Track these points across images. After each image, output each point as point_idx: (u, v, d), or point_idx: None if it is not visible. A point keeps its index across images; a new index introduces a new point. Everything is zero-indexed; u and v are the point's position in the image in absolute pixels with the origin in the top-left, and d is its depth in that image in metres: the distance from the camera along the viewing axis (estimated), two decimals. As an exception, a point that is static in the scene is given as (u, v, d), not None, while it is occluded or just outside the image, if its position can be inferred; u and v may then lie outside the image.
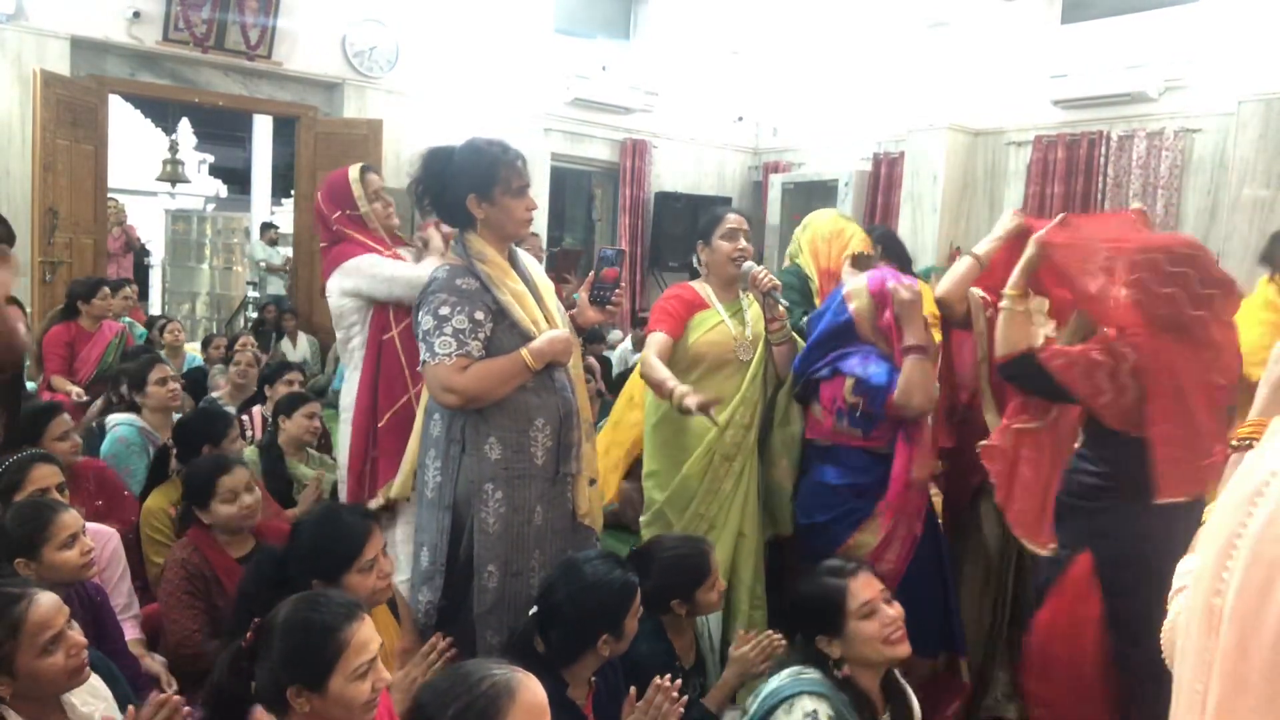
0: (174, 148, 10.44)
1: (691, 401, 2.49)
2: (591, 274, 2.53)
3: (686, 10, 8.84)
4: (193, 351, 6.71)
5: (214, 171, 13.85)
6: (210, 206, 13.56)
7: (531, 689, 1.48)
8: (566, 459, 2.41)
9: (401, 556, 2.67)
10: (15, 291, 5.97)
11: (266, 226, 10.68)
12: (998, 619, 2.92)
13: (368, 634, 1.64)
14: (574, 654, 2.07)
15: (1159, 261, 2.16)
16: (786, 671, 2.05)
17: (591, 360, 5.82)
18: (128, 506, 3.18)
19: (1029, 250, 2.47)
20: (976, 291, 2.73)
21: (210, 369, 5.90)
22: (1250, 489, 0.56)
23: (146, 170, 11.19)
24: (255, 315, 9.46)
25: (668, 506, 2.82)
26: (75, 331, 5.04)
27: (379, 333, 2.92)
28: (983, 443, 2.58)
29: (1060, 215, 2.50)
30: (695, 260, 2.98)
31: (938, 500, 2.98)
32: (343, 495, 3.02)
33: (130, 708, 1.73)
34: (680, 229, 8.44)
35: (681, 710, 2.03)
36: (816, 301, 3.06)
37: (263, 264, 10.04)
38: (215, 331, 8.36)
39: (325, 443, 4.18)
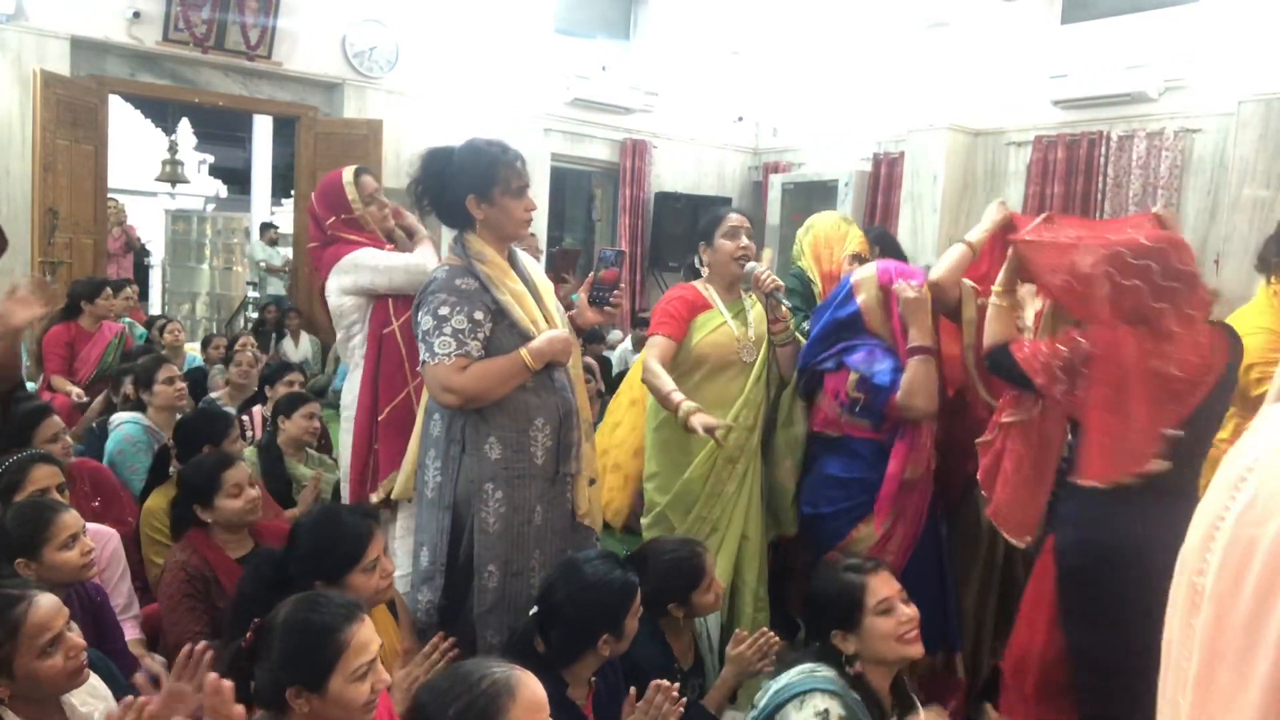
0: (173, 148, 10.44)
1: (698, 423, 2.48)
2: (591, 274, 2.53)
3: (686, 10, 8.84)
4: (193, 352, 6.71)
5: (214, 171, 13.86)
6: (210, 206, 13.57)
7: (531, 686, 1.48)
8: (566, 459, 2.41)
9: (400, 556, 2.67)
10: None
11: (266, 227, 10.68)
12: (986, 610, 2.92)
13: (367, 635, 1.64)
14: (574, 654, 2.07)
15: (1123, 255, 2.20)
16: (799, 668, 2.05)
17: (590, 360, 5.82)
18: (126, 506, 3.18)
19: (1010, 250, 2.50)
20: (967, 282, 2.75)
21: (210, 369, 5.90)
22: (1235, 475, 0.59)
23: (146, 170, 11.19)
24: (255, 315, 9.47)
25: (670, 509, 2.82)
26: (75, 331, 5.05)
27: (379, 327, 2.91)
28: (979, 439, 2.59)
29: (1044, 214, 2.50)
30: (697, 261, 2.97)
31: None
32: (345, 495, 3.01)
33: (129, 697, 1.73)
34: (680, 229, 8.44)
35: (681, 711, 2.03)
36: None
37: (262, 264, 10.04)
38: (215, 331, 8.36)
39: (325, 443, 4.19)
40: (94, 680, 1.88)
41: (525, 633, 2.11)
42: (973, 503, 2.88)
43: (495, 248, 2.38)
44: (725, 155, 9.43)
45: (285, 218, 10.44)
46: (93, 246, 6.63)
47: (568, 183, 9.54)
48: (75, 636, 1.76)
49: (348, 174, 2.99)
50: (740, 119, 9.32)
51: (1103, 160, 6.64)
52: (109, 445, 3.62)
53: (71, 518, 2.22)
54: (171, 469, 3.17)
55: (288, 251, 9.66)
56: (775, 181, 8.71)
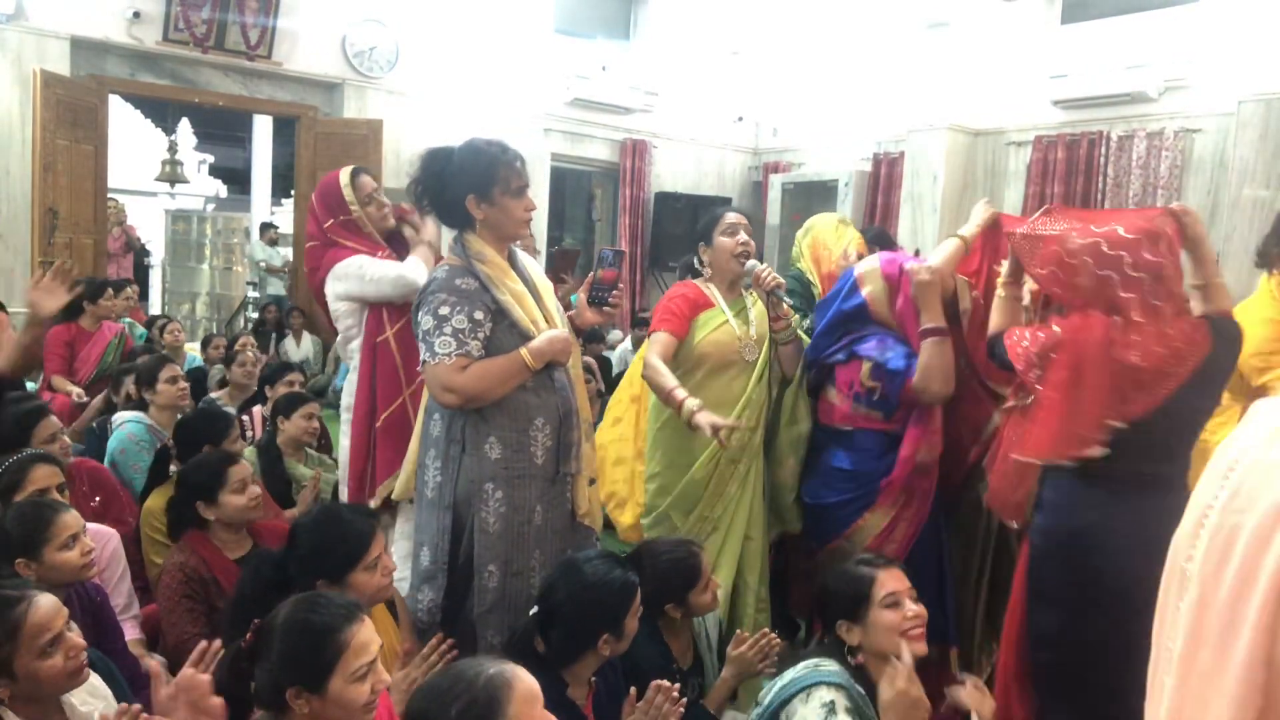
0: (173, 148, 10.44)
1: (703, 420, 2.48)
2: (590, 275, 2.53)
3: (686, 10, 8.84)
4: (192, 352, 6.72)
5: (214, 171, 13.87)
6: (210, 206, 13.57)
7: (525, 679, 1.50)
8: (566, 459, 2.41)
9: (399, 558, 2.67)
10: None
11: (266, 227, 10.69)
12: (979, 604, 2.93)
13: (367, 635, 1.65)
14: (575, 654, 2.07)
15: (1099, 245, 2.27)
16: (803, 664, 2.05)
17: (589, 360, 5.83)
18: (126, 506, 3.18)
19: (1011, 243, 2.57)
20: (961, 277, 2.80)
21: (210, 369, 5.91)
22: (1224, 466, 0.63)
23: (146, 170, 11.20)
24: (255, 315, 9.47)
25: (672, 509, 2.82)
26: (75, 331, 5.05)
27: (373, 336, 2.93)
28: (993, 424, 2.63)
29: (1045, 207, 2.53)
30: (696, 261, 2.96)
31: None
32: (344, 497, 3.02)
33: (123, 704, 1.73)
34: (680, 229, 8.44)
35: (681, 711, 2.03)
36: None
37: (262, 264, 10.04)
38: (215, 331, 8.36)
39: (325, 443, 4.19)
40: (94, 680, 1.88)
41: (525, 633, 2.11)
42: (971, 497, 2.89)
43: (495, 247, 2.38)
44: (725, 155, 9.43)
45: (285, 218, 10.44)
46: (93, 246, 6.63)
47: (568, 183, 9.54)
48: (75, 636, 1.76)
49: (345, 175, 2.99)
50: (740, 119, 9.32)
51: (1103, 160, 6.64)
52: (111, 444, 3.62)
53: (71, 518, 2.22)
54: (172, 469, 3.17)
55: (288, 252, 9.67)
56: (775, 181, 8.71)
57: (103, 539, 2.61)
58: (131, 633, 2.61)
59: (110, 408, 4.18)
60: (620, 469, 4.18)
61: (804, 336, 2.92)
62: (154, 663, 2.51)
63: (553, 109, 8.28)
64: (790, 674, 2.04)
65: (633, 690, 2.05)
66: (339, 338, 3.08)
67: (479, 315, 2.28)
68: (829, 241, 3.22)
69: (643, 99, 8.67)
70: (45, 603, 1.73)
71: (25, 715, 1.71)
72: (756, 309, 2.89)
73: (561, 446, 2.39)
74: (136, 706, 1.66)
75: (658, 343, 2.77)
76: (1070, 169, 6.82)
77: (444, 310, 2.26)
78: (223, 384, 5.04)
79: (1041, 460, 2.31)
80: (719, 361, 2.80)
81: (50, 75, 6.12)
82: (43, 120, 6.04)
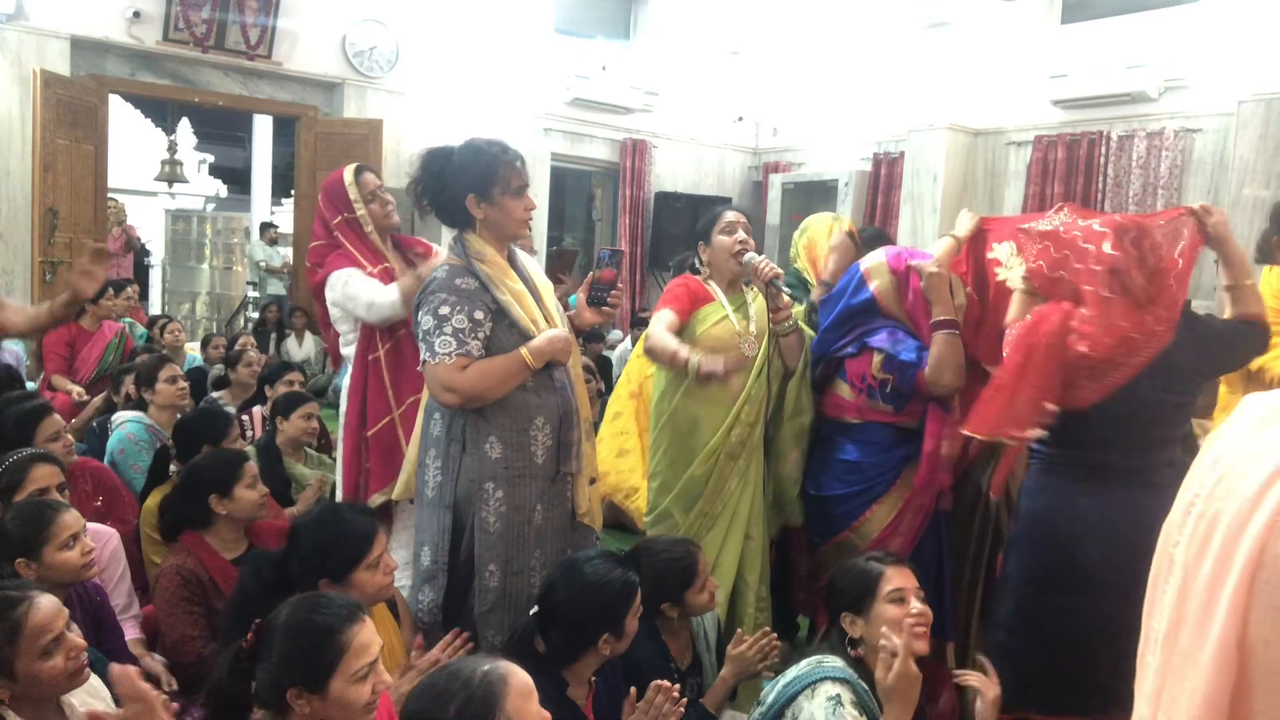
0: (172, 148, 10.44)
1: (709, 365, 2.48)
2: (590, 275, 2.53)
3: (686, 10, 8.84)
4: (192, 352, 6.72)
5: (214, 171, 13.87)
6: (210, 206, 13.57)
7: (519, 674, 1.50)
8: (566, 458, 2.41)
9: (400, 560, 2.67)
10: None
11: (266, 226, 10.69)
12: (973, 595, 2.94)
13: (368, 636, 1.65)
14: (575, 653, 2.07)
15: (1076, 239, 2.37)
16: (806, 660, 2.06)
17: (587, 360, 5.83)
18: (128, 506, 3.18)
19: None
20: (955, 276, 2.83)
21: (210, 369, 5.90)
22: (1211, 457, 0.66)
23: (146, 170, 11.20)
24: (255, 315, 9.47)
25: (673, 506, 2.82)
26: (76, 331, 5.05)
27: (364, 353, 2.96)
28: None
29: (1059, 205, 2.57)
30: (696, 261, 2.95)
31: None
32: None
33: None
34: (680, 229, 8.44)
35: (681, 711, 2.03)
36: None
37: (262, 264, 10.05)
38: (215, 331, 8.36)
39: (325, 442, 4.19)
40: (93, 680, 1.88)
41: (525, 632, 2.11)
42: (968, 491, 2.89)
43: (495, 247, 2.38)
44: (725, 155, 9.43)
45: (285, 218, 10.44)
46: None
47: (568, 183, 9.54)
48: (75, 637, 1.76)
49: (348, 173, 3.01)
50: (740, 119, 9.32)
51: (1103, 160, 6.64)
52: (111, 444, 3.63)
53: (72, 518, 2.22)
54: (172, 469, 3.17)
55: (287, 251, 9.66)
56: (775, 181, 8.71)
57: (103, 539, 2.61)
58: (131, 632, 2.61)
59: (110, 407, 4.18)
60: (626, 459, 4.18)
61: (805, 328, 2.92)
62: (154, 663, 2.52)
63: (553, 109, 8.28)
64: (794, 671, 2.05)
65: (633, 690, 2.06)
66: (339, 339, 3.09)
67: (479, 315, 2.28)
68: (822, 240, 3.22)
69: (643, 99, 8.67)
70: (46, 604, 1.72)
71: (25, 715, 1.71)
72: (757, 305, 2.88)
73: (562, 446, 2.39)
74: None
75: (661, 320, 2.77)
76: (1070, 169, 6.83)
77: (444, 310, 2.26)
78: (222, 384, 5.04)
79: (982, 437, 2.42)
80: (719, 357, 2.79)
81: (50, 75, 6.12)
82: (43, 120, 6.05)
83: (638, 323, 7.09)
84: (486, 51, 7.67)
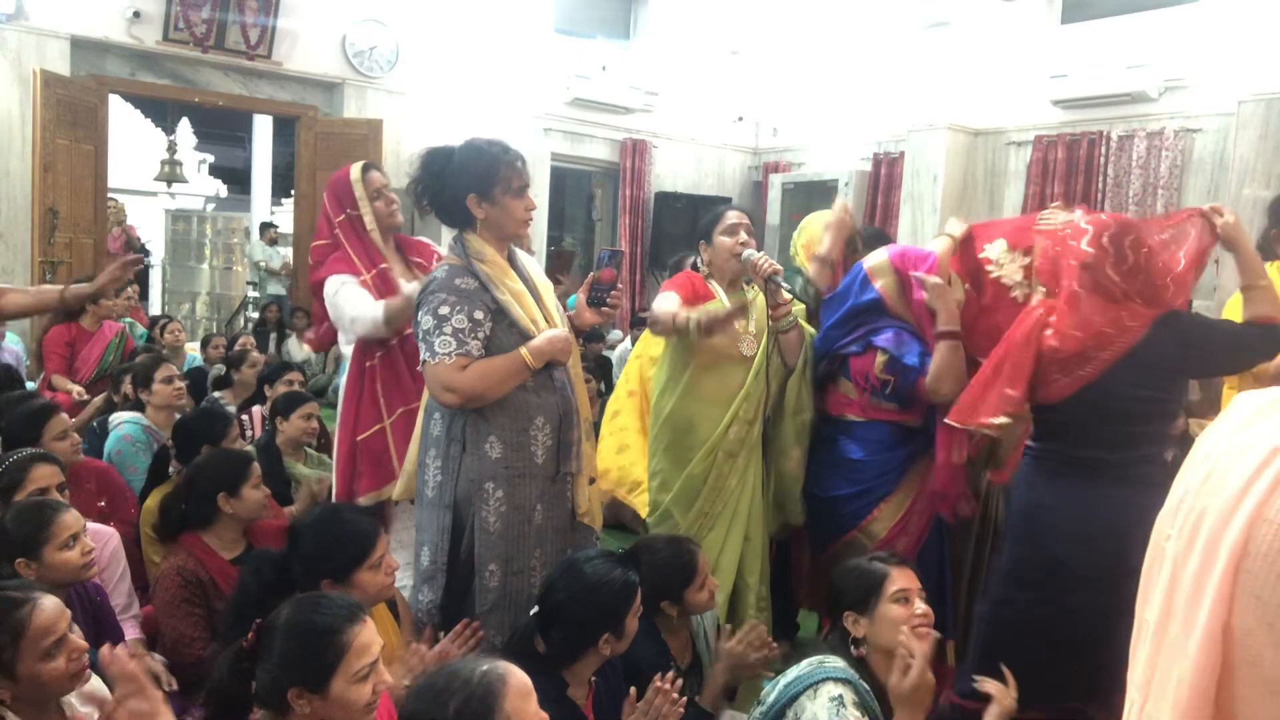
0: (172, 148, 10.44)
1: (709, 320, 2.49)
2: (591, 275, 2.53)
3: (686, 10, 8.84)
4: (192, 352, 6.72)
5: (214, 171, 13.87)
6: (210, 206, 13.57)
7: (517, 674, 1.51)
8: (566, 458, 2.41)
9: (398, 558, 2.68)
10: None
11: (266, 226, 10.69)
12: (972, 593, 2.95)
13: (369, 636, 1.65)
14: (575, 653, 2.07)
15: (1067, 237, 2.45)
16: (807, 660, 2.06)
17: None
18: (131, 506, 3.18)
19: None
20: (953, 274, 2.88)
21: (210, 369, 5.90)
22: (1202, 453, 0.68)
23: (146, 170, 11.20)
24: (255, 315, 9.47)
25: (673, 505, 2.82)
26: (76, 331, 5.04)
27: (361, 359, 2.96)
28: None
29: (1081, 206, 2.63)
30: (698, 260, 2.96)
31: None
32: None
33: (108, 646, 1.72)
34: (680, 229, 8.44)
35: (681, 711, 2.03)
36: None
37: (261, 264, 10.05)
38: (215, 331, 8.36)
39: (325, 442, 4.18)
40: (93, 681, 1.88)
41: (525, 633, 2.11)
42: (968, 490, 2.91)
43: (495, 247, 2.38)
44: (725, 155, 9.43)
45: (285, 217, 10.44)
46: (93, 246, 6.63)
47: (568, 183, 9.54)
48: (77, 638, 1.76)
49: (355, 170, 3.02)
50: (740, 119, 9.32)
51: (1103, 160, 6.64)
52: (108, 445, 3.62)
53: (72, 518, 2.22)
54: (171, 469, 3.17)
55: (287, 252, 9.66)
56: (775, 181, 8.71)
57: (103, 539, 2.61)
58: (131, 632, 2.61)
59: (110, 407, 4.18)
60: (626, 455, 4.18)
61: (805, 325, 2.91)
62: (154, 663, 2.52)
63: (553, 109, 8.28)
64: (795, 671, 2.04)
65: (632, 691, 2.06)
66: (340, 336, 3.10)
67: (479, 315, 2.28)
68: (819, 239, 3.22)
69: (643, 99, 8.67)
70: (49, 605, 1.72)
71: (25, 716, 1.70)
72: (757, 304, 2.87)
73: (562, 446, 2.39)
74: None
75: (664, 299, 2.77)
76: (1070, 169, 6.82)
77: (444, 310, 2.26)
78: (223, 384, 5.04)
79: (958, 424, 2.49)
80: (718, 354, 2.79)
81: (50, 75, 6.12)
82: (43, 120, 6.04)
83: (638, 323, 7.08)
84: (486, 51, 7.67)
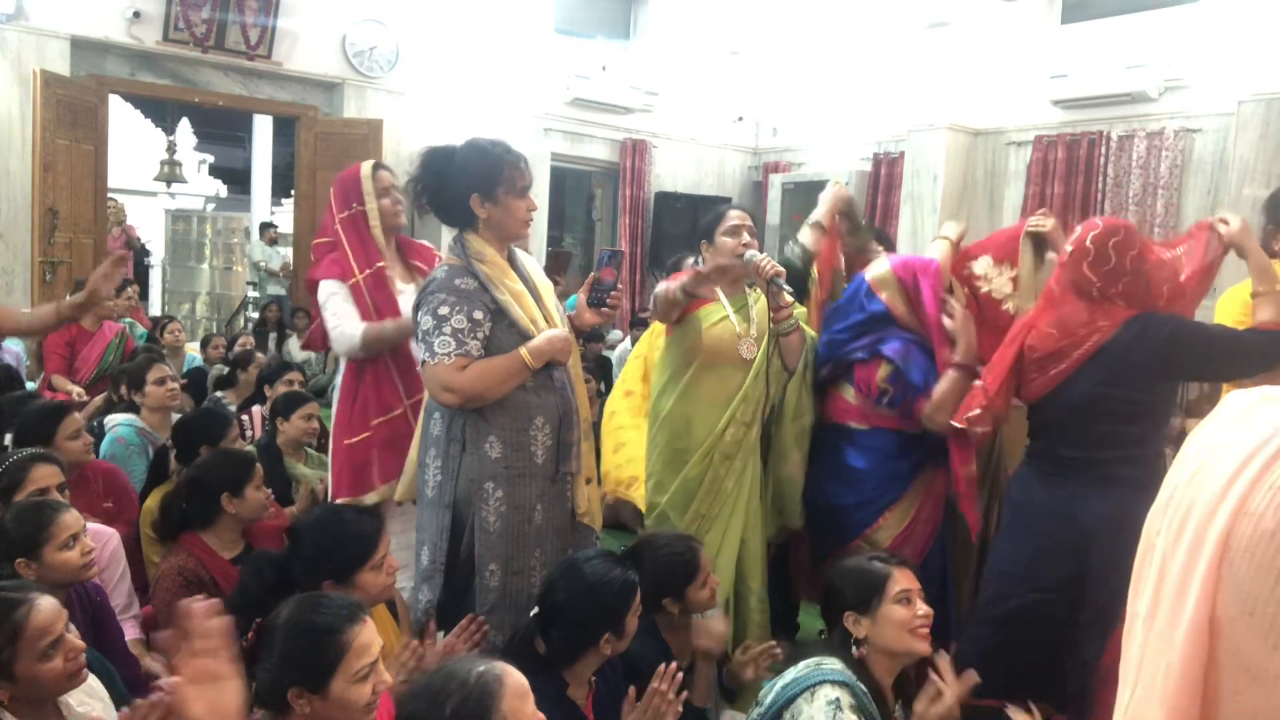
0: (171, 148, 10.44)
1: (692, 276, 2.52)
2: (591, 275, 2.53)
3: (686, 10, 8.84)
4: (192, 351, 6.72)
5: (214, 171, 13.86)
6: (210, 206, 13.56)
7: (515, 675, 1.51)
8: (566, 458, 2.41)
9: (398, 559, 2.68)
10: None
11: (265, 226, 10.69)
12: (974, 596, 2.96)
13: (369, 636, 1.65)
14: (576, 654, 2.07)
15: (1064, 243, 2.54)
16: (805, 662, 2.05)
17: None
18: (134, 508, 3.18)
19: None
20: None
21: (210, 369, 5.90)
22: (1193, 450, 0.70)
23: (146, 170, 11.20)
24: (255, 315, 9.47)
25: (670, 508, 2.80)
26: (76, 331, 5.04)
27: (354, 364, 2.97)
28: None
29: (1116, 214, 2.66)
30: (698, 260, 2.94)
31: None
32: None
33: (125, 710, 1.74)
34: (680, 229, 8.44)
35: (680, 708, 2.04)
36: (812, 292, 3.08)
37: (261, 265, 10.05)
38: (215, 331, 8.36)
39: (325, 443, 4.18)
40: (91, 680, 1.88)
41: (526, 634, 2.11)
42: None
43: (495, 247, 2.38)
44: (725, 155, 9.43)
45: (285, 218, 10.44)
46: (93, 246, 6.62)
47: (568, 183, 9.54)
48: (74, 639, 1.76)
49: (366, 167, 3.04)
50: (740, 119, 9.32)
51: (1103, 160, 6.64)
52: (103, 447, 3.61)
53: (71, 518, 2.21)
54: (172, 469, 3.16)
55: (287, 251, 9.66)
56: (775, 181, 8.71)
57: (103, 539, 2.61)
58: (131, 632, 2.61)
59: (110, 407, 4.18)
60: (622, 452, 4.17)
61: (806, 328, 2.90)
62: (154, 663, 2.52)
63: (553, 109, 8.28)
64: (792, 673, 2.04)
65: (632, 690, 2.06)
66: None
67: (478, 315, 2.28)
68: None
69: (643, 99, 8.67)
70: (46, 605, 1.72)
71: (23, 717, 1.71)
72: (758, 306, 2.85)
73: (561, 446, 2.39)
74: (148, 702, 1.67)
75: (664, 284, 2.79)
76: (1070, 169, 6.82)
77: (443, 310, 2.26)
78: (226, 383, 5.04)
79: (956, 423, 2.57)
80: (717, 356, 2.78)
81: (50, 75, 6.12)
82: (43, 120, 6.04)
83: (638, 323, 7.08)
84: (486, 51, 7.66)
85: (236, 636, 1.68)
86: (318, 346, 3.63)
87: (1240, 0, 5.95)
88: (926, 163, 7.47)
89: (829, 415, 2.88)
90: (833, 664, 2.02)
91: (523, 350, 2.29)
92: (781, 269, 2.71)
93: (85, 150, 6.47)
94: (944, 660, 2.17)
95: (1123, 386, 2.34)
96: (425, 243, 3.33)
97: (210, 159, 13.64)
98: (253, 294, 10.71)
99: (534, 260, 2.62)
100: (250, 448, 3.71)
